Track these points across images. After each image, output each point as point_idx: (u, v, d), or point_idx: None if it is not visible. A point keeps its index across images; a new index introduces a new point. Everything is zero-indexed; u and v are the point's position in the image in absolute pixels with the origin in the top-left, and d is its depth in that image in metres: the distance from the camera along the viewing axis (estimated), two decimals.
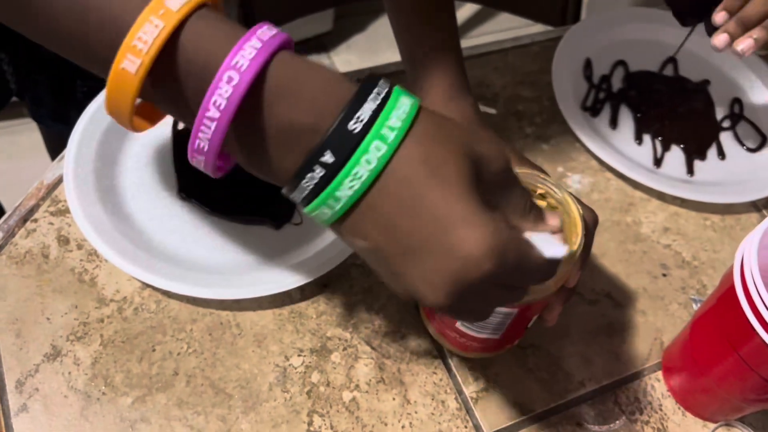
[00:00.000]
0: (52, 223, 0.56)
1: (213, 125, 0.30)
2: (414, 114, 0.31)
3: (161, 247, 0.54)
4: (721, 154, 0.70)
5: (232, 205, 0.57)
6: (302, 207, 0.32)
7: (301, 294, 0.55)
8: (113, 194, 0.56)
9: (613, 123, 0.71)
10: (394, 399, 0.51)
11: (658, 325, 0.58)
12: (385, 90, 0.31)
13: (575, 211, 0.44)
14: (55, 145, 0.96)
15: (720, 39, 0.55)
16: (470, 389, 0.52)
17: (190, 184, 0.57)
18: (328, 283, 0.56)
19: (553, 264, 0.34)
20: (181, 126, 0.60)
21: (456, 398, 0.52)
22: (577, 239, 0.43)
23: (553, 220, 0.37)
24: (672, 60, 0.77)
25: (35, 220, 0.56)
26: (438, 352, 0.54)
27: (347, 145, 0.29)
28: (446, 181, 0.30)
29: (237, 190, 0.56)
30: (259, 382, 0.50)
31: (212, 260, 0.54)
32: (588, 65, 0.74)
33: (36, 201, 0.57)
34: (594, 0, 0.99)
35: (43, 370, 0.49)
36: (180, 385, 0.49)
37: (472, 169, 0.31)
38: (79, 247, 0.55)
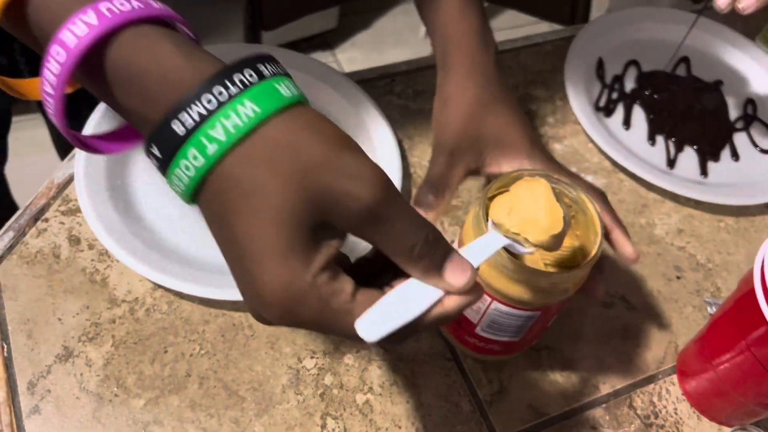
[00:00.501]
0: (63, 223, 0.55)
1: (51, 100, 0.28)
2: (251, 126, 0.27)
3: (173, 248, 0.54)
4: (735, 156, 0.70)
5: None
6: None
7: None
8: (125, 194, 0.56)
9: (626, 123, 0.70)
10: (407, 402, 0.51)
11: (672, 328, 0.57)
12: (236, 91, 0.27)
13: (592, 210, 0.44)
14: (65, 142, 0.96)
15: (722, 0, 0.55)
16: (484, 392, 0.52)
17: None
18: None
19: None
20: None
21: (470, 401, 0.51)
22: (596, 238, 0.43)
23: (455, 278, 0.31)
24: (685, 60, 0.76)
25: (46, 220, 0.55)
26: (451, 354, 0.53)
27: (171, 145, 0.28)
28: (259, 211, 0.28)
29: None
30: (272, 384, 0.50)
31: (224, 261, 0.54)
32: (600, 65, 0.73)
33: (47, 200, 0.56)
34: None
35: (55, 371, 0.48)
36: (193, 387, 0.49)
37: (307, 204, 0.28)
38: (91, 246, 0.54)
